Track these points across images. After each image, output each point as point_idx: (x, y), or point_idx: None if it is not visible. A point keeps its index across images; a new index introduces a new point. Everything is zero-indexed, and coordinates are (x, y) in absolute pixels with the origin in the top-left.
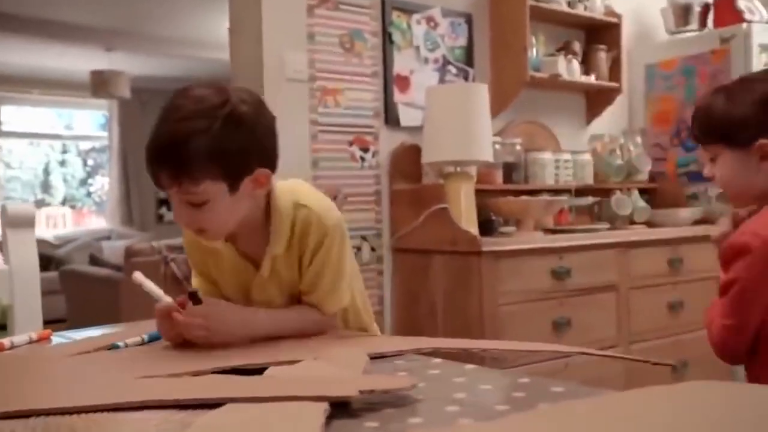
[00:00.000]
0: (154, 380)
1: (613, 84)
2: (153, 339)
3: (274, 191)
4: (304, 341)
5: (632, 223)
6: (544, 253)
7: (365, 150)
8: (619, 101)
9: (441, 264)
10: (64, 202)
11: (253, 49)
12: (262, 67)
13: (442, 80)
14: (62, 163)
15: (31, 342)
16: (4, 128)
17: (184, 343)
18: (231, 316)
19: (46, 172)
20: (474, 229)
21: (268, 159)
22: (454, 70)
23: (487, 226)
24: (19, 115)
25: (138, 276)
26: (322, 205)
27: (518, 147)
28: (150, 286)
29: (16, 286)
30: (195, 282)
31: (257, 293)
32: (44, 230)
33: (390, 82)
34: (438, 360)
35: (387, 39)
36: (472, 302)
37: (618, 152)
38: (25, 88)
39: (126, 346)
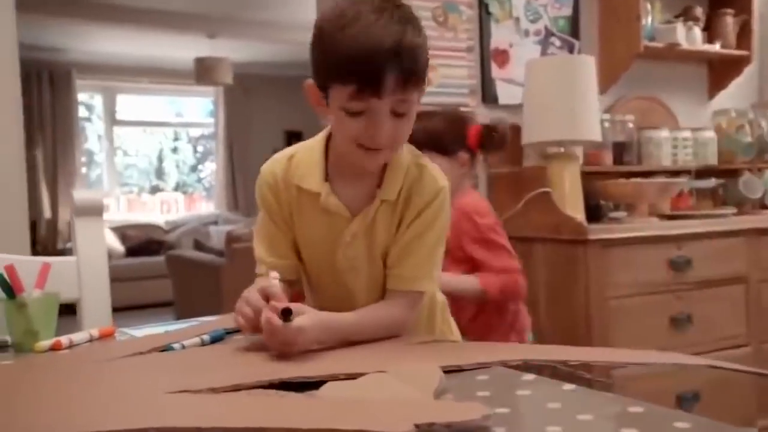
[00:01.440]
0: (182, 397)
1: (742, 52)
2: (215, 340)
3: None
4: (375, 348)
5: (763, 207)
6: (660, 242)
7: None
8: (748, 72)
9: (543, 253)
10: (176, 188)
11: None
12: None
13: (544, 53)
14: (174, 150)
15: (91, 340)
16: (120, 117)
17: (251, 342)
18: (315, 335)
19: (160, 158)
20: (580, 215)
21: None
22: (557, 43)
23: (594, 212)
24: (132, 104)
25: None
26: (434, 166)
27: (630, 125)
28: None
29: (84, 278)
30: (265, 264)
31: (344, 251)
32: (158, 215)
33: (487, 57)
34: (530, 377)
35: (483, 10)
36: (577, 296)
37: (747, 129)
38: (137, 78)
39: (183, 347)
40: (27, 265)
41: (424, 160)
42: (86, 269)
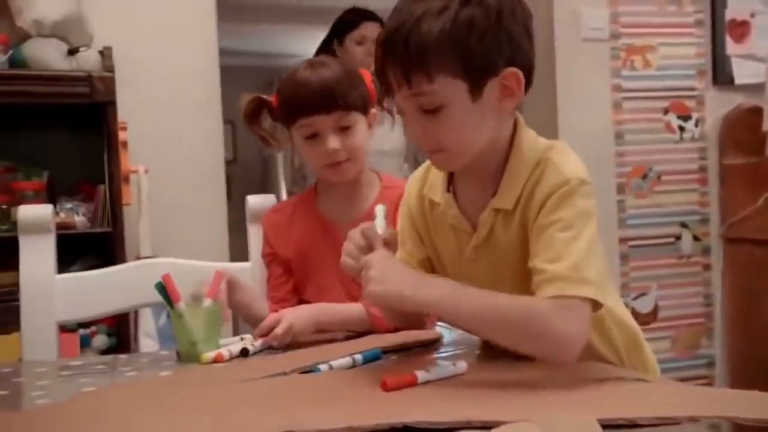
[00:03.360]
0: None
1: None
2: (369, 359)
3: (521, 127)
4: (522, 385)
5: None
6: None
7: (685, 118)
8: None
9: None
10: None
11: (543, 6)
12: (553, 27)
13: None
14: None
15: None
16: None
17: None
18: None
19: None
20: None
21: (521, 57)
22: None
23: None
24: None
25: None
26: (568, 160)
27: None
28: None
29: (258, 284)
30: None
31: (468, 268)
32: None
33: (720, 30)
34: None
35: None
36: None
37: None
38: None
39: (331, 368)
40: (206, 272)
41: (553, 152)
42: (260, 275)
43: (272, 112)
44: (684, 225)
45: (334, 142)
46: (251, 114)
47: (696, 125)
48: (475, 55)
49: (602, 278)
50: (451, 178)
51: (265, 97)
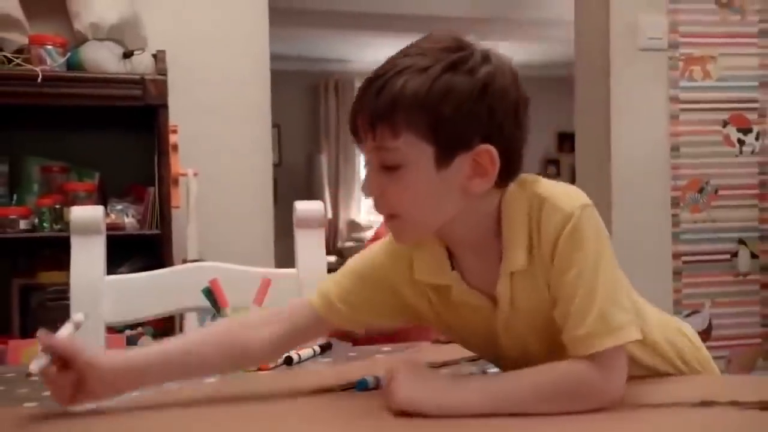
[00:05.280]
0: None
1: None
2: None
3: (508, 194)
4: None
5: None
6: None
7: (745, 131)
8: None
9: None
10: None
11: (599, 14)
12: (609, 36)
13: None
14: None
15: (314, 355)
16: None
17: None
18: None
19: None
20: None
21: (500, 138)
22: None
23: None
24: None
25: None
26: (558, 190)
27: None
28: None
29: (304, 293)
30: (328, 304)
31: (506, 337)
32: None
33: None
34: None
35: None
36: None
37: None
38: None
39: (377, 380)
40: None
41: (542, 188)
42: (306, 282)
43: None
44: (741, 241)
45: None
46: None
47: (757, 138)
48: (447, 122)
49: (629, 304)
50: (450, 256)
51: None
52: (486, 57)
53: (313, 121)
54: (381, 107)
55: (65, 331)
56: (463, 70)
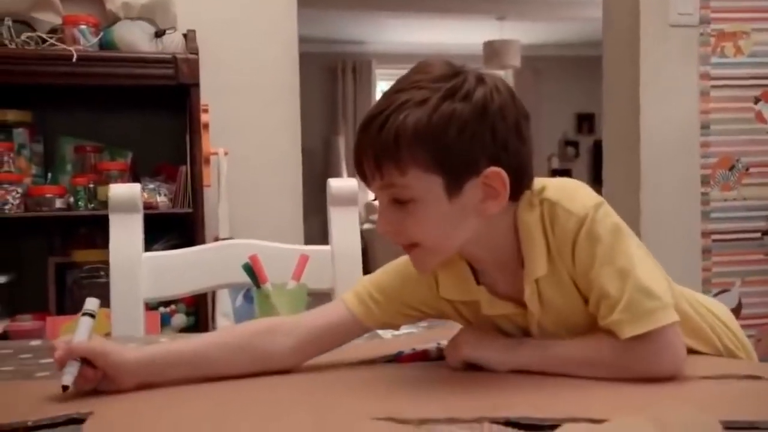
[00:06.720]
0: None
1: None
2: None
3: (520, 206)
4: (629, 386)
5: None
6: None
7: None
8: None
9: None
10: None
11: None
12: (639, 12)
13: None
14: None
15: None
16: None
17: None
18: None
19: None
20: None
21: (507, 157)
22: None
23: None
24: None
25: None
26: (566, 193)
27: None
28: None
29: (338, 268)
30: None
31: (540, 336)
32: None
33: None
34: None
35: None
36: None
37: None
38: None
39: (399, 355)
40: (287, 254)
41: (550, 194)
42: (340, 259)
43: None
44: None
45: None
46: None
47: None
48: (452, 150)
49: (661, 289)
50: (473, 272)
51: None
52: (480, 79)
53: (331, 103)
54: (384, 145)
55: (83, 328)
56: (460, 96)
